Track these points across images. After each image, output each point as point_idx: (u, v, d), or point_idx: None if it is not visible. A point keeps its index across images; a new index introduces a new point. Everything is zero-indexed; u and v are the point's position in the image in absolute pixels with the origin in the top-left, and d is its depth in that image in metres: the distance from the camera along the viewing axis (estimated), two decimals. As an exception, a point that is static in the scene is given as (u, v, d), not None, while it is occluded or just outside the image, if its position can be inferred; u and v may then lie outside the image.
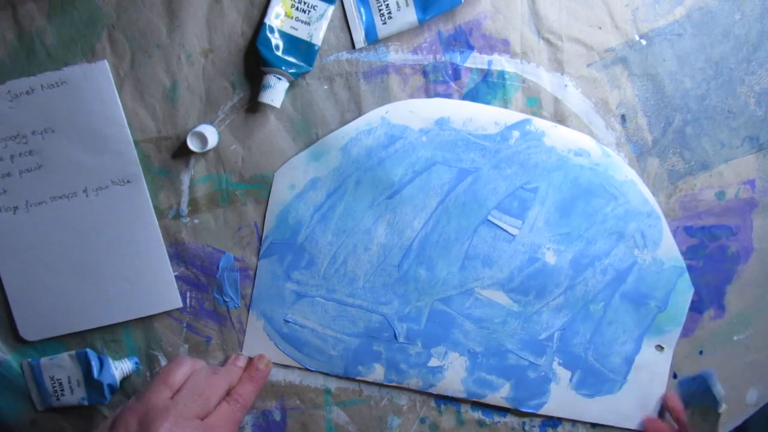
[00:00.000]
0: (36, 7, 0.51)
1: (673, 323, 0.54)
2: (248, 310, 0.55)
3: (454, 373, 0.54)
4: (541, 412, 0.55)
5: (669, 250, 0.53)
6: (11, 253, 0.53)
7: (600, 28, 0.52)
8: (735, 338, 0.55)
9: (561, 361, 0.54)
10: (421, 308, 0.54)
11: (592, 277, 0.53)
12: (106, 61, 0.51)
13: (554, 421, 0.56)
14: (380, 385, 0.55)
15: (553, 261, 0.53)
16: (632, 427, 0.55)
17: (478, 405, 0.56)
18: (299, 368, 0.55)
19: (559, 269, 0.53)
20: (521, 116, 0.52)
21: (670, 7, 0.51)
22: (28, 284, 0.54)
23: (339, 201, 0.53)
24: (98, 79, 0.51)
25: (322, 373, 0.55)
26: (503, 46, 0.52)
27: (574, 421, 0.55)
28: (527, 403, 0.55)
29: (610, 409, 0.55)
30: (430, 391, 0.55)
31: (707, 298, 0.54)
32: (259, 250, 0.54)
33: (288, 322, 0.55)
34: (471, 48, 0.52)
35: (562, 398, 0.55)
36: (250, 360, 0.54)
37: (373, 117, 0.52)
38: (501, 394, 0.55)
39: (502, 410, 0.56)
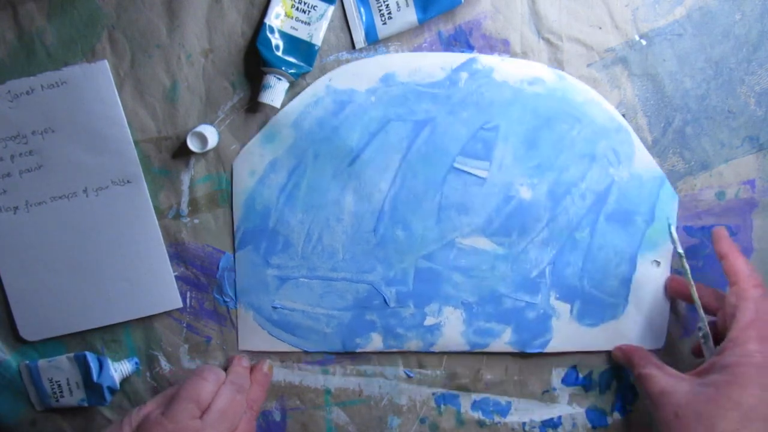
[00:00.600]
0: (36, 7, 0.51)
1: (664, 235, 0.52)
2: (235, 305, 0.55)
3: (452, 328, 0.54)
4: (548, 349, 0.54)
5: (644, 162, 0.51)
6: (11, 253, 0.53)
7: (600, 28, 0.52)
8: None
9: (558, 296, 0.53)
10: (405, 269, 0.53)
11: (571, 205, 0.52)
12: (106, 61, 0.51)
13: (554, 421, 0.55)
14: (380, 353, 0.55)
15: (528, 196, 0.52)
16: (646, 347, 0.53)
17: (478, 405, 0.55)
18: (299, 368, 0.55)
19: (537, 203, 0.52)
20: (466, 56, 0.51)
21: (670, 7, 0.51)
22: (28, 284, 0.54)
23: (301, 178, 0.52)
24: (98, 79, 0.51)
25: (322, 355, 0.55)
26: (503, 46, 0.52)
27: (573, 422, 0.55)
28: (532, 344, 0.53)
29: (617, 335, 0.53)
30: (432, 350, 0.54)
31: (707, 298, 0.54)
32: (233, 242, 0.54)
33: (276, 308, 0.54)
34: (471, 48, 0.52)
35: (566, 332, 0.53)
36: (254, 365, 0.54)
37: (317, 87, 0.51)
38: (503, 339, 0.54)
39: (502, 408, 0.55)
